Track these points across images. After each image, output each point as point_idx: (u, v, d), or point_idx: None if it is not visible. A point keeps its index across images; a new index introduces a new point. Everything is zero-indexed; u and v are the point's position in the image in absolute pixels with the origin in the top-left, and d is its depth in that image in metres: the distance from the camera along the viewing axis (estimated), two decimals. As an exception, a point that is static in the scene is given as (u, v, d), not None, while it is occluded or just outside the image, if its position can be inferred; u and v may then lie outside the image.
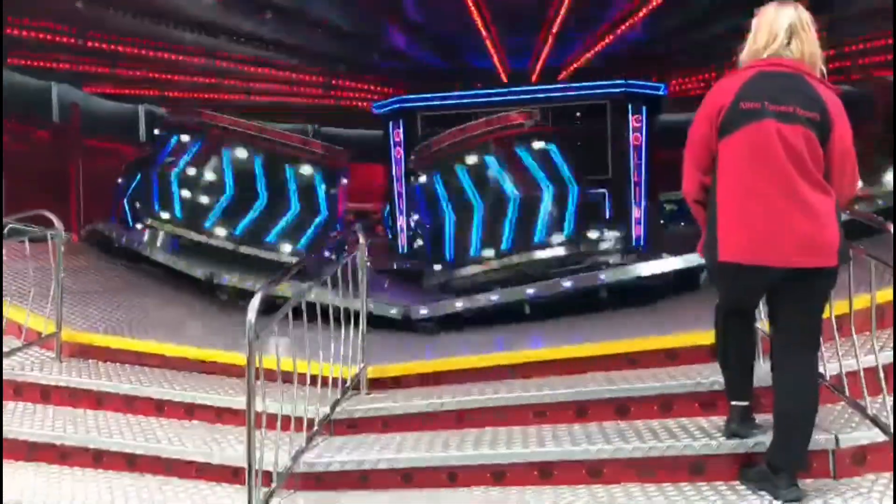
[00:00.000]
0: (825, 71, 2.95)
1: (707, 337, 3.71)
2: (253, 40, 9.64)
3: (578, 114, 11.46)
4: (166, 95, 12.26)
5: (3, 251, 5.92)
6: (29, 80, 11.09)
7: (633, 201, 11.32)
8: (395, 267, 10.09)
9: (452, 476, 3.55)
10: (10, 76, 10.33)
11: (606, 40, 10.04)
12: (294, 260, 7.28)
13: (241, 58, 10.35)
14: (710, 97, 3.01)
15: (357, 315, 4.36)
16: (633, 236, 11.34)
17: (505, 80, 11.54)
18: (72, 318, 5.64)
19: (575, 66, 11.18)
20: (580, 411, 3.84)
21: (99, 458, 4.12)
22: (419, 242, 9.23)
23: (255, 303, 3.23)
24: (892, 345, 3.37)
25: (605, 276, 6.84)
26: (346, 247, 5.15)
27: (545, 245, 7.60)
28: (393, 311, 6.61)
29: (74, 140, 11.54)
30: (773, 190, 2.84)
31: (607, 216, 9.18)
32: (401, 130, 11.72)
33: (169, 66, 10.71)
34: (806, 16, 2.95)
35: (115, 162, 11.65)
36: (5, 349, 4.96)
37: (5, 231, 5.92)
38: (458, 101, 11.70)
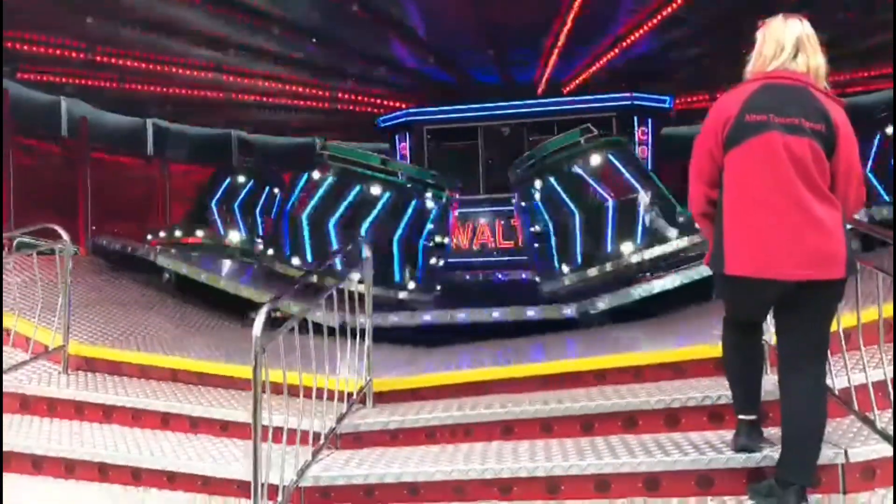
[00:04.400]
0: (828, 86, 2.95)
1: (714, 350, 3.69)
2: (261, 55, 9.72)
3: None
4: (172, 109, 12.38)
5: (12, 265, 5.97)
6: (38, 94, 11.18)
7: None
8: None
9: (459, 490, 3.53)
10: (19, 90, 10.42)
11: (611, 54, 10.06)
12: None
13: (248, 71, 10.44)
14: (715, 110, 3.00)
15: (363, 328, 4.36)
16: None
17: (510, 93, 11.57)
18: (78, 331, 5.65)
19: (581, 78, 11.20)
20: (586, 425, 3.83)
21: (104, 472, 4.12)
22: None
23: (260, 317, 3.22)
24: (898, 358, 3.35)
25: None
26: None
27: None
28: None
29: (83, 154, 11.59)
30: (779, 202, 2.83)
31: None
32: (407, 143, 11.77)
33: (175, 81, 10.82)
34: (812, 30, 2.96)
35: (123, 175, 11.79)
36: (13, 362, 4.98)
37: (14, 244, 5.97)
38: (463, 115, 11.76)
